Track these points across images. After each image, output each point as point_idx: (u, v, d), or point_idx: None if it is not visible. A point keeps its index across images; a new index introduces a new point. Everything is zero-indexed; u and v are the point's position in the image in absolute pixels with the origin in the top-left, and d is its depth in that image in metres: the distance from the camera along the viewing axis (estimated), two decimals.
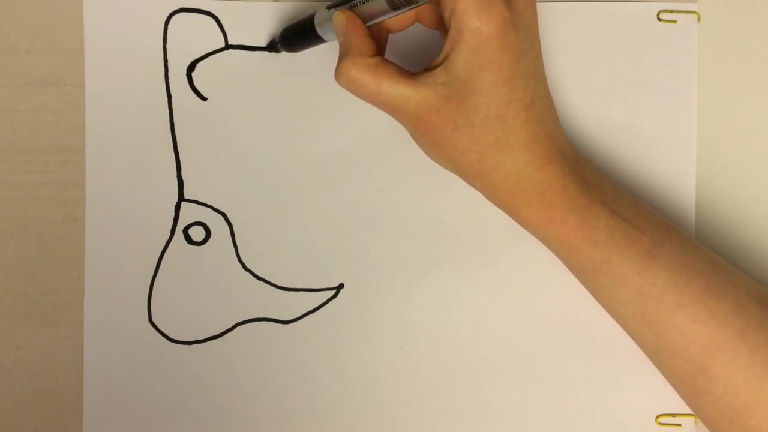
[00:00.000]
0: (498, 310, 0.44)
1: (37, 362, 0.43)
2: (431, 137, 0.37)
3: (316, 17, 0.39)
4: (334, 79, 0.43)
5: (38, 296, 0.43)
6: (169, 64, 0.43)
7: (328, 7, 0.38)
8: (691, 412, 0.43)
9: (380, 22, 0.37)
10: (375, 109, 0.43)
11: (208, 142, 0.43)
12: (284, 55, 0.43)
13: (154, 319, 0.43)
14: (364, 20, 0.37)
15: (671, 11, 0.43)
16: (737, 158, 0.44)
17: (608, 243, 0.37)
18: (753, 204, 0.44)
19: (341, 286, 0.44)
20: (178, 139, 0.43)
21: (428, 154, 0.39)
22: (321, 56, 0.43)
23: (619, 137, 0.43)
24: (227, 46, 0.43)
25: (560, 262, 0.43)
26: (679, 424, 0.43)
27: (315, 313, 0.44)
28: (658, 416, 0.43)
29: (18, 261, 0.43)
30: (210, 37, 0.43)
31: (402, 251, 0.44)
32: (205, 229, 0.43)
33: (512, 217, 0.39)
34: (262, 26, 0.43)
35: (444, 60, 0.35)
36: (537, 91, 0.37)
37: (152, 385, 0.43)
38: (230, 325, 0.43)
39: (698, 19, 0.43)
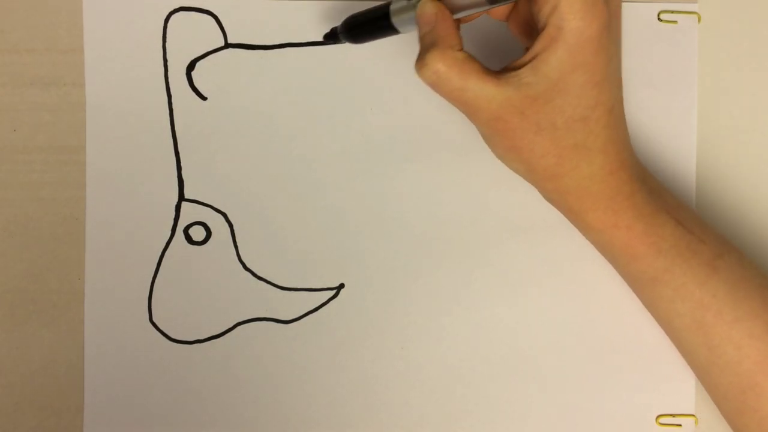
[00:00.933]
0: (498, 310, 0.44)
1: (37, 362, 0.43)
2: (510, 140, 0.36)
3: (393, 6, 0.36)
4: (334, 79, 0.43)
5: (38, 296, 0.43)
6: (168, 63, 0.43)
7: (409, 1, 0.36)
8: (692, 413, 0.43)
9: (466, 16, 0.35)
10: (375, 109, 0.43)
11: (209, 141, 0.43)
12: (286, 56, 0.43)
13: (154, 319, 0.43)
14: (452, 11, 0.35)
15: (672, 12, 0.43)
16: (737, 158, 0.44)
17: (672, 252, 0.37)
18: (753, 204, 0.44)
19: (341, 286, 0.44)
20: (178, 139, 0.43)
21: (501, 157, 0.38)
22: (322, 56, 0.43)
23: None
24: (227, 45, 0.43)
25: (561, 262, 0.43)
26: (680, 425, 0.43)
27: (315, 312, 0.44)
28: (658, 416, 0.44)
29: (18, 260, 0.43)
30: (209, 36, 0.43)
31: (402, 251, 0.44)
32: (205, 229, 0.43)
33: (574, 221, 0.39)
34: (261, 25, 0.43)
35: (533, 58, 0.34)
36: (618, 95, 0.36)
37: (152, 385, 0.43)
38: (231, 325, 0.43)
39: (698, 20, 0.43)
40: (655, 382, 0.43)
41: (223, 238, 0.43)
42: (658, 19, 0.43)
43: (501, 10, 0.37)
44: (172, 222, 0.43)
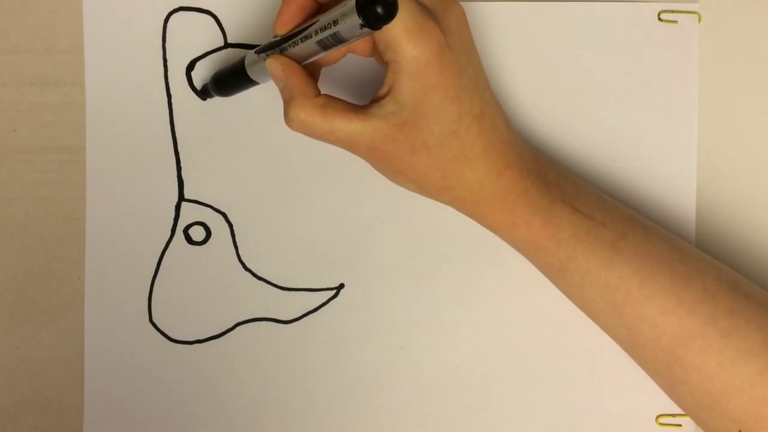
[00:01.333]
0: (498, 310, 0.44)
1: (37, 362, 0.43)
2: (392, 165, 0.37)
3: (246, 61, 0.39)
4: (334, 79, 0.43)
5: (39, 296, 0.43)
6: (168, 63, 0.43)
7: (257, 52, 0.38)
8: None
9: (313, 61, 0.37)
10: None
11: (209, 141, 0.43)
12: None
13: (154, 319, 0.43)
14: (297, 61, 0.36)
15: (672, 11, 0.43)
16: (737, 158, 0.44)
17: (572, 240, 0.38)
18: (753, 204, 0.44)
19: (341, 286, 0.44)
20: (178, 139, 0.43)
21: (393, 181, 0.39)
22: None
23: (619, 137, 0.43)
24: (226, 45, 0.43)
25: None
26: (680, 425, 0.43)
27: (315, 313, 0.44)
28: (658, 416, 0.44)
29: (18, 260, 0.43)
30: (209, 36, 0.43)
31: (402, 251, 0.44)
32: (205, 229, 0.43)
33: (483, 226, 0.40)
34: (261, 25, 0.43)
35: (389, 90, 0.35)
36: (484, 100, 0.37)
37: (153, 385, 0.43)
38: (231, 325, 0.43)
39: (699, 20, 0.43)
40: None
41: (223, 239, 0.43)
42: (659, 19, 0.43)
43: (361, 48, 0.38)
44: (172, 222, 0.43)
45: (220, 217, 0.43)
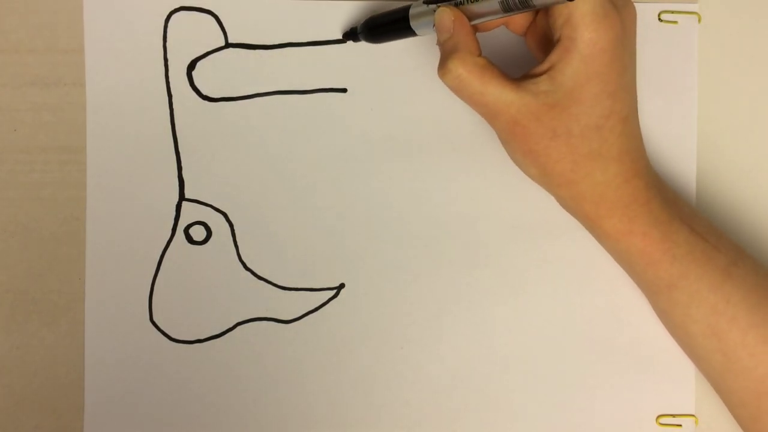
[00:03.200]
0: (498, 311, 0.44)
1: (37, 362, 0.43)
2: (527, 144, 0.36)
3: (411, 10, 0.38)
4: (335, 79, 0.43)
5: (39, 295, 0.43)
6: (169, 63, 0.43)
7: (426, 1, 0.37)
8: (692, 413, 0.43)
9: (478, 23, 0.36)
10: (375, 109, 0.43)
11: (209, 141, 0.43)
12: (287, 55, 0.43)
13: (155, 319, 0.43)
14: (470, 18, 0.36)
15: (672, 12, 0.43)
16: (737, 158, 0.44)
17: (687, 258, 0.38)
18: (753, 204, 0.44)
19: (342, 285, 0.44)
20: (178, 139, 0.43)
21: (517, 160, 0.38)
22: (323, 56, 0.43)
23: None
24: (227, 45, 0.43)
25: (561, 262, 0.43)
26: (680, 425, 0.43)
27: (316, 312, 0.44)
28: (658, 416, 0.44)
29: (19, 260, 0.43)
30: (210, 36, 0.43)
31: (402, 251, 0.44)
32: (206, 229, 0.43)
33: (590, 229, 0.39)
34: (262, 25, 0.43)
35: (549, 68, 0.35)
36: (632, 105, 0.37)
37: (153, 385, 0.43)
38: (231, 325, 0.43)
39: (699, 20, 0.43)
40: (655, 382, 0.43)
41: (224, 238, 0.43)
42: (659, 19, 0.43)
43: (518, 23, 0.38)
44: (172, 222, 0.43)
45: (221, 216, 0.43)
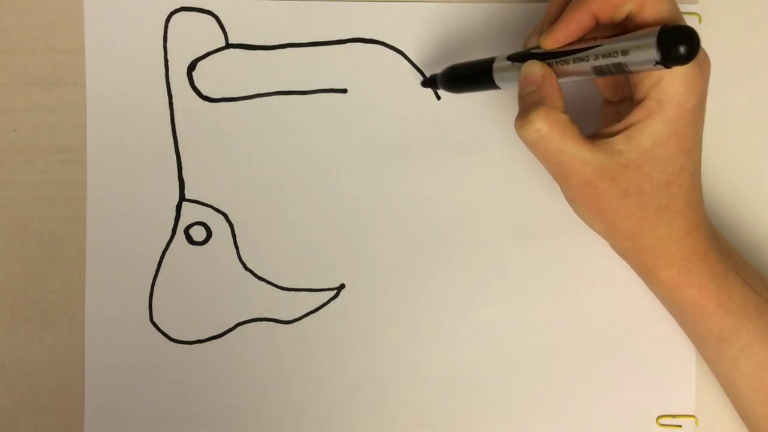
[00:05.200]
0: (498, 311, 0.44)
1: (38, 362, 0.43)
2: (598, 203, 0.36)
3: (495, 64, 0.37)
4: (335, 80, 0.43)
5: (39, 296, 0.43)
6: (169, 63, 0.43)
7: (510, 59, 0.37)
8: (692, 413, 0.43)
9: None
10: (375, 109, 0.43)
11: (209, 141, 0.43)
12: (287, 56, 0.43)
13: (155, 319, 0.43)
14: (558, 75, 0.35)
15: None
16: (737, 158, 0.44)
17: (740, 313, 0.38)
18: (753, 204, 0.44)
19: (342, 286, 0.44)
20: (179, 139, 0.43)
21: (583, 216, 0.38)
22: (323, 57, 0.43)
23: None
24: (227, 45, 0.43)
25: (561, 262, 0.43)
26: (680, 425, 0.43)
27: (316, 313, 0.44)
28: (658, 417, 0.44)
29: (19, 260, 0.43)
30: (210, 37, 0.43)
31: (403, 251, 0.44)
32: (206, 229, 0.43)
33: (646, 277, 0.39)
34: (262, 25, 0.43)
35: (627, 127, 0.35)
36: (699, 159, 0.37)
37: (153, 385, 0.43)
38: (231, 325, 0.43)
39: (699, 20, 0.43)
40: (656, 383, 0.43)
41: (224, 239, 0.43)
42: None
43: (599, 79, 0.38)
44: (172, 222, 0.43)
45: (221, 217, 0.43)
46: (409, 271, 0.44)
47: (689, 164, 0.36)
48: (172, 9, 0.43)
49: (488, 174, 0.44)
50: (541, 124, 0.34)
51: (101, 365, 0.43)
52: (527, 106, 0.35)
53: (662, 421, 0.43)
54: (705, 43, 0.43)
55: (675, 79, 0.33)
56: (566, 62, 0.34)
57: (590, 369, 0.44)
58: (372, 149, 0.43)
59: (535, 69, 0.35)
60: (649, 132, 0.34)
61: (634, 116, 0.34)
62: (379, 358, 0.44)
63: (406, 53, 0.43)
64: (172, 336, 0.43)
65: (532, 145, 0.35)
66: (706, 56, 0.35)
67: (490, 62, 0.38)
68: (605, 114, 0.40)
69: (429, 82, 0.42)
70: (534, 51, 0.36)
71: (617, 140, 0.35)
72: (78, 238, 0.43)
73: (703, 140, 0.43)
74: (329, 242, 0.44)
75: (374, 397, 0.44)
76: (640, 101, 0.34)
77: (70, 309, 0.43)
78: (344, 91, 0.43)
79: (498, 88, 0.38)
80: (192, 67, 0.43)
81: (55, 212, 0.43)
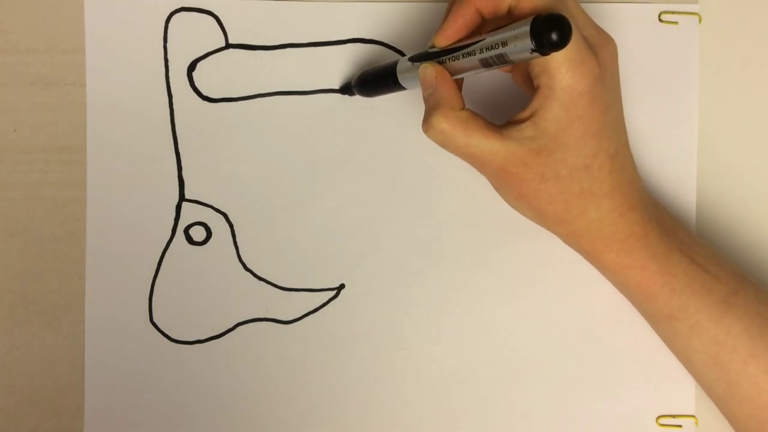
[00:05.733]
0: (498, 311, 0.44)
1: (37, 362, 0.43)
2: (517, 189, 0.37)
3: (398, 67, 0.39)
4: (335, 80, 0.43)
5: (39, 296, 0.43)
6: (169, 63, 0.43)
7: (411, 59, 0.38)
8: (692, 413, 0.43)
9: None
10: (375, 109, 0.43)
11: (209, 141, 0.43)
12: (287, 56, 0.43)
13: (155, 319, 0.43)
14: (452, 74, 0.36)
15: (672, 12, 0.43)
16: (738, 158, 0.44)
17: (686, 291, 0.38)
18: (753, 204, 0.44)
19: (342, 286, 0.44)
20: (179, 139, 0.43)
21: (512, 205, 0.39)
22: (323, 57, 0.43)
23: None
24: (227, 46, 0.43)
25: (561, 262, 0.43)
26: (680, 425, 0.43)
27: (316, 313, 0.44)
28: (658, 417, 0.44)
29: (19, 261, 0.43)
30: (210, 37, 0.43)
31: (402, 252, 0.44)
32: (206, 229, 0.43)
33: (592, 263, 0.40)
34: (262, 26, 0.43)
35: (531, 115, 0.35)
36: (620, 140, 0.37)
37: (153, 385, 0.43)
38: (231, 325, 0.43)
39: (699, 21, 0.43)
40: (656, 383, 0.43)
41: (224, 239, 0.43)
42: (659, 19, 0.43)
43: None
44: (172, 222, 0.43)
45: (221, 217, 0.43)
46: (409, 271, 0.44)
47: (604, 145, 0.36)
48: (172, 9, 0.43)
49: None
50: (443, 124, 0.36)
51: (101, 365, 0.43)
52: (429, 109, 0.37)
53: (662, 421, 0.43)
54: (705, 43, 0.43)
55: (560, 64, 0.34)
56: (457, 58, 0.35)
57: (590, 369, 0.44)
58: (372, 149, 0.43)
59: (428, 71, 0.36)
60: (549, 118, 0.35)
61: (535, 103, 0.35)
62: (379, 358, 0.44)
63: (406, 53, 0.43)
64: (172, 336, 0.43)
65: (441, 145, 0.37)
66: (608, 39, 0.36)
67: (394, 65, 0.39)
68: None
69: (345, 89, 0.43)
70: (430, 51, 0.37)
71: (525, 127, 0.36)
72: (78, 238, 0.43)
73: (702, 140, 0.44)
74: (329, 242, 0.44)
75: (374, 397, 0.44)
76: (537, 89, 0.35)
77: (70, 309, 0.43)
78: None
79: (404, 89, 0.39)
80: (192, 67, 0.43)
81: (55, 212, 0.43)
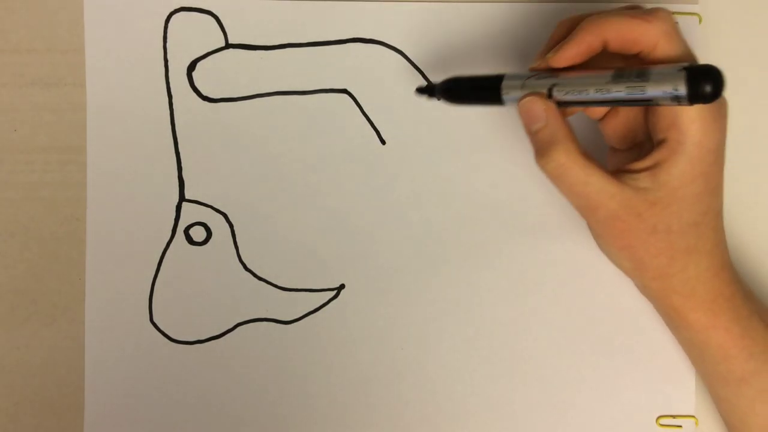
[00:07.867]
0: (498, 311, 0.44)
1: (37, 362, 0.43)
2: (625, 239, 0.36)
3: (505, 84, 0.36)
4: (335, 80, 0.43)
5: (39, 296, 0.43)
6: (169, 63, 0.43)
7: (521, 78, 0.36)
8: (692, 414, 0.43)
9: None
10: (375, 110, 0.43)
11: (209, 141, 0.43)
12: (287, 56, 0.43)
13: (155, 319, 0.43)
14: (559, 103, 0.35)
15: (672, 12, 0.43)
16: (738, 159, 0.44)
17: (762, 357, 0.38)
18: (753, 204, 0.44)
19: (342, 286, 0.44)
20: (179, 139, 0.43)
21: (610, 253, 0.38)
22: (323, 57, 0.43)
23: None
24: (227, 46, 0.43)
25: (561, 262, 0.43)
26: (680, 426, 0.43)
27: (316, 313, 0.44)
28: (658, 417, 0.44)
29: (19, 261, 0.43)
30: (210, 37, 0.43)
31: (402, 252, 0.44)
32: (206, 230, 0.43)
33: (671, 318, 0.39)
34: (262, 25, 0.43)
35: (652, 166, 0.35)
36: (722, 199, 0.37)
37: (153, 385, 0.43)
38: (231, 326, 0.43)
39: (699, 21, 0.43)
40: (656, 383, 0.43)
41: (224, 239, 0.43)
42: None
43: (599, 109, 0.38)
44: (172, 222, 0.43)
45: (221, 217, 0.43)
46: (409, 271, 0.44)
47: (715, 203, 0.36)
48: (172, 9, 0.43)
49: (488, 174, 0.44)
50: (563, 158, 0.34)
51: (101, 365, 0.43)
52: (543, 143, 0.35)
53: (662, 421, 0.43)
54: (705, 43, 0.43)
55: (694, 119, 0.34)
56: (584, 87, 0.34)
57: (590, 369, 0.44)
58: (372, 149, 0.43)
59: (537, 105, 0.35)
60: (674, 172, 0.34)
61: (658, 155, 0.35)
62: (379, 358, 0.44)
63: (406, 53, 0.43)
64: (172, 336, 0.43)
65: (557, 179, 0.35)
66: (724, 98, 0.35)
67: (499, 79, 0.37)
68: (612, 162, 0.40)
69: (425, 90, 0.40)
70: (543, 71, 0.35)
71: (641, 177, 0.35)
72: (78, 238, 0.43)
73: None
74: (329, 242, 0.44)
75: (374, 397, 0.44)
76: (661, 141, 0.35)
77: (70, 309, 0.43)
78: (344, 91, 0.43)
79: (502, 104, 0.37)
80: (192, 67, 0.43)
81: (55, 212, 0.43)
